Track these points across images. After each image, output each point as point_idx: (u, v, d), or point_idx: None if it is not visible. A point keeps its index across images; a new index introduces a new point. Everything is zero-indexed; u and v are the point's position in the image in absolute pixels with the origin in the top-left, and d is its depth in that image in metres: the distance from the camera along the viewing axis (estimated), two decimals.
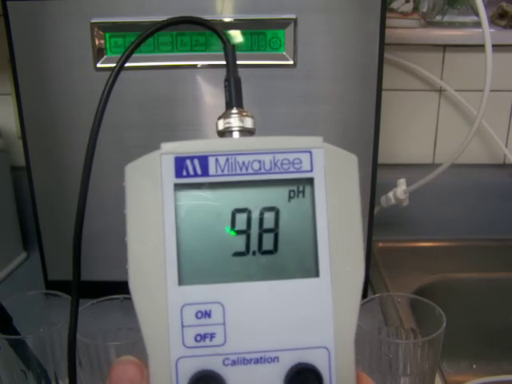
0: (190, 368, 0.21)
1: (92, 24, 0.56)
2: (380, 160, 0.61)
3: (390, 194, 0.76)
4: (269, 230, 0.22)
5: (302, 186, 0.23)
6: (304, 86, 0.58)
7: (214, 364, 0.22)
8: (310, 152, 0.23)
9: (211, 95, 0.58)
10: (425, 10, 0.84)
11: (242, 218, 0.22)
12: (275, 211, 0.23)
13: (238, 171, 0.22)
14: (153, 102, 0.58)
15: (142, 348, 0.21)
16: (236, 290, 0.22)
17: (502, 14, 0.83)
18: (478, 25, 0.78)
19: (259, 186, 0.22)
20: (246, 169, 0.22)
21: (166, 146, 0.22)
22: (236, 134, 0.25)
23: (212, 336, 0.22)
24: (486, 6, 0.64)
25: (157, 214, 0.22)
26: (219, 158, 0.22)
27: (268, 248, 0.22)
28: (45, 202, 0.64)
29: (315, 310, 0.22)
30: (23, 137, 0.61)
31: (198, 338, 0.22)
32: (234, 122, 0.25)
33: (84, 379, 0.45)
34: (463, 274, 0.77)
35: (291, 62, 0.57)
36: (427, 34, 0.84)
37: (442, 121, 0.88)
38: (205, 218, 0.22)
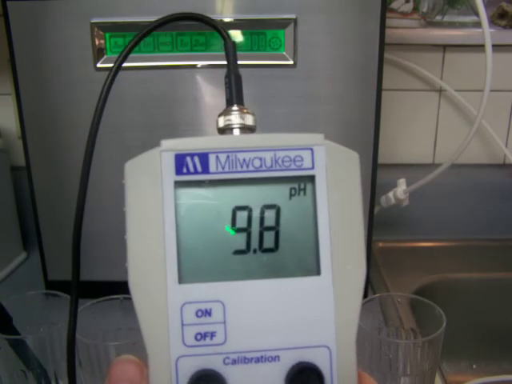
0: (190, 367, 0.21)
1: (92, 24, 0.56)
2: (380, 160, 0.61)
3: (390, 194, 0.76)
4: (270, 228, 0.22)
5: (304, 183, 0.22)
6: (304, 86, 0.58)
7: (215, 363, 0.21)
8: (312, 149, 0.22)
9: (211, 95, 0.58)
10: (425, 9, 0.84)
11: (242, 216, 0.22)
12: (276, 209, 0.22)
13: (239, 168, 0.22)
14: (153, 101, 0.58)
15: (143, 348, 0.21)
16: (236, 288, 0.22)
17: (502, 14, 0.83)
18: (478, 25, 0.78)
19: (260, 183, 0.22)
20: (247, 166, 0.22)
21: (166, 143, 0.22)
22: (237, 131, 0.25)
23: (212, 335, 0.21)
24: (486, 6, 0.64)
25: (157, 212, 0.21)
26: (220, 155, 0.22)
27: (269, 246, 0.22)
28: (45, 202, 0.64)
29: (316, 309, 0.22)
30: (23, 137, 0.61)
31: (199, 336, 0.21)
32: (235, 119, 0.25)
33: (84, 379, 0.45)
34: (463, 274, 0.77)
35: (291, 62, 0.57)
36: (427, 33, 0.84)
37: (442, 121, 0.88)
38: (205, 216, 0.22)
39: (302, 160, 0.22)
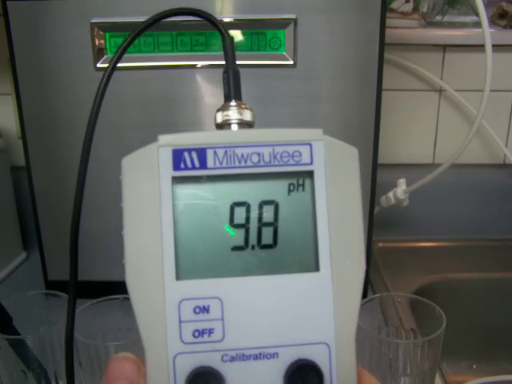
0: (187, 364, 0.21)
1: (92, 24, 0.56)
2: (380, 160, 0.61)
3: (390, 194, 0.76)
4: (268, 224, 0.22)
5: (302, 179, 0.22)
6: (304, 86, 0.58)
7: (213, 360, 0.21)
8: (310, 144, 0.22)
9: (211, 95, 0.58)
10: (425, 9, 0.84)
11: (240, 212, 0.22)
12: (274, 205, 0.22)
13: (237, 164, 0.22)
14: (152, 101, 0.58)
15: (142, 347, 0.21)
16: (235, 284, 0.22)
17: (502, 14, 0.83)
18: (478, 25, 0.78)
19: (258, 178, 0.22)
20: (245, 161, 0.22)
21: (164, 138, 0.22)
22: (235, 127, 0.25)
23: (210, 332, 0.21)
24: (486, 5, 0.64)
25: (154, 208, 0.21)
26: (218, 150, 0.22)
27: (267, 242, 0.22)
28: (45, 202, 0.64)
29: (315, 305, 0.22)
30: (23, 137, 0.61)
31: (196, 333, 0.21)
32: (233, 114, 0.25)
33: (84, 379, 0.45)
34: (463, 274, 0.77)
35: (291, 62, 0.57)
36: (427, 34, 0.84)
37: (442, 121, 0.88)
38: (203, 212, 0.22)
39: (301, 155, 0.22)
